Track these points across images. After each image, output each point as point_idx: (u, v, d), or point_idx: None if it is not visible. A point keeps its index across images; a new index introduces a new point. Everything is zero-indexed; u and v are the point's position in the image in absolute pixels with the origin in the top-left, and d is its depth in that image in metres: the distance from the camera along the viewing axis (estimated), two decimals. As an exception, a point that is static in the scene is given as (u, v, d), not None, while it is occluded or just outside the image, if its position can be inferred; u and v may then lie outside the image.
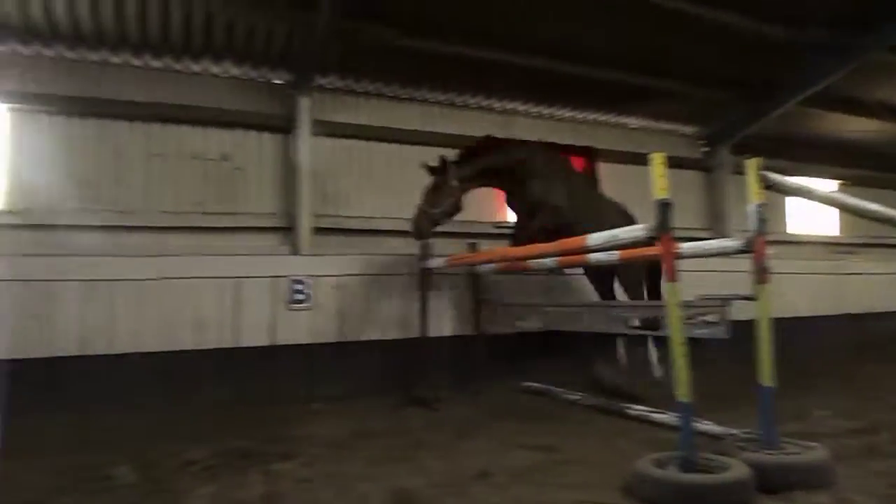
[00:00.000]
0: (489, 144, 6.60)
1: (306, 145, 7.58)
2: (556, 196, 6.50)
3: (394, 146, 8.34)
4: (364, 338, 7.20)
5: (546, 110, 9.46)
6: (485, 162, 6.42)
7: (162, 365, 6.29)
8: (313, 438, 4.84)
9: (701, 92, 9.13)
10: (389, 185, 8.14)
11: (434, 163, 6.31)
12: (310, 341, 6.94)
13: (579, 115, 9.71)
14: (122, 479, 3.86)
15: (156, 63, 7.17)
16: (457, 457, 4.24)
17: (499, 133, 7.69)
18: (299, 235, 7.38)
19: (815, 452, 3.45)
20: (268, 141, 7.72)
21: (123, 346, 6.26)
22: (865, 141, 11.17)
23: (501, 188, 6.97)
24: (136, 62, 7.08)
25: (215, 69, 7.46)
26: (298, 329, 6.93)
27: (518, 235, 6.51)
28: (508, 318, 6.78)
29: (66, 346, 6.07)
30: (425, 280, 6.66)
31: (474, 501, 3.38)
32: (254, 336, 6.75)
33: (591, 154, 9.67)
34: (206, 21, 6.69)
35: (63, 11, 6.21)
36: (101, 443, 4.68)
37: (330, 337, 7.06)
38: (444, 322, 7.37)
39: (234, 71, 7.56)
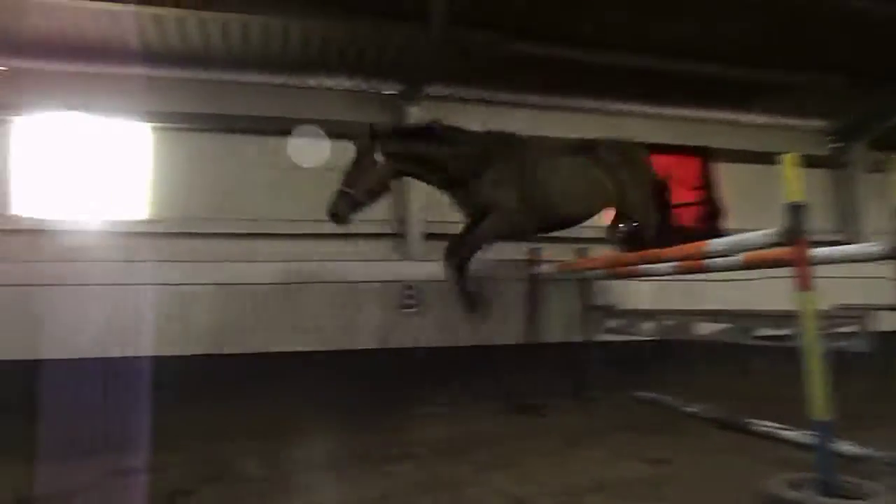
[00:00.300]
0: (433, 130, 5.75)
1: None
2: (506, 198, 5.72)
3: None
4: (472, 343, 7.25)
5: (659, 110, 9.11)
6: (419, 149, 5.63)
7: (286, 365, 6.62)
8: (424, 442, 4.92)
9: (831, 84, 8.47)
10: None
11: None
12: (419, 345, 7.08)
13: (695, 114, 9.28)
14: (251, 472, 4.11)
15: (276, 80, 7.60)
16: (567, 466, 4.17)
17: (603, 135, 7.52)
18: (410, 241, 7.57)
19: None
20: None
21: (250, 346, 6.67)
22: None
23: (437, 185, 6.05)
24: (259, 79, 7.55)
25: (329, 83, 7.79)
26: (409, 333, 7.09)
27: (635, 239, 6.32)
28: (620, 324, 6.59)
29: (200, 345, 6.55)
30: (534, 285, 6.61)
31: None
32: (367, 339, 6.98)
33: (705, 155, 9.24)
34: (322, 39, 7.03)
35: (198, 38, 6.78)
36: (228, 438, 5.01)
37: (438, 342, 7.17)
38: (552, 328, 7.26)
39: (347, 84, 7.86)
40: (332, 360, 6.81)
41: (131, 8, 6.12)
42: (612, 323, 6.66)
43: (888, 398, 3.50)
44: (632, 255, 5.72)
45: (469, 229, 5.91)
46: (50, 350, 5.88)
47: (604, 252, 7.17)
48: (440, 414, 6.00)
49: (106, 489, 3.87)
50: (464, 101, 8.31)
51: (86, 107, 7.18)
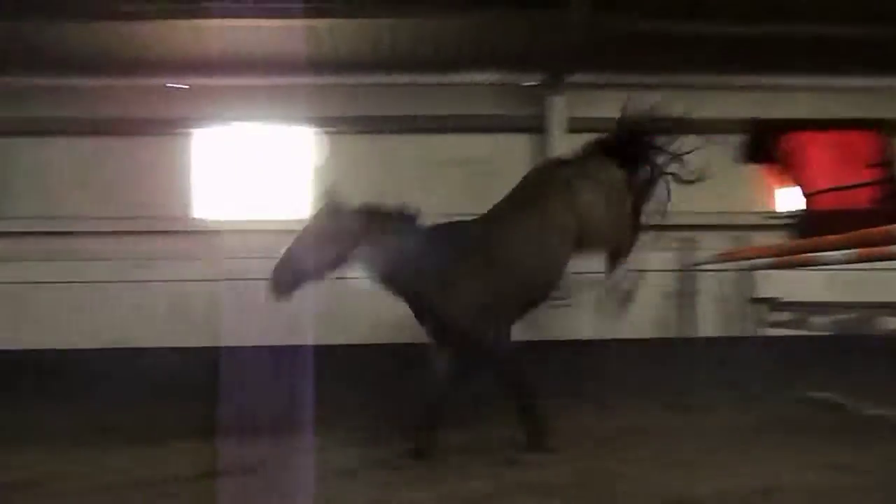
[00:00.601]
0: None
1: (559, 144, 7.69)
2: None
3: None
4: (623, 336, 7.06)
5: (826, 81, 8.26)
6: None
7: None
8: (581, 433, 4.91)
9: None
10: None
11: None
12: (567, 338, 7.01)
13: (869, 83, 8.31)
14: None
15: (424, 80, 7.84)
16: (733, 467, 3.96)
17: (764, 113, 7.01)
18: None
19: None
20: (522, 142, 8.04)
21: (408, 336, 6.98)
22: None
23: None
24: (408, 80, 7.82)
25: (472, 79, 7.91)
26: (556, 326, 7.05)
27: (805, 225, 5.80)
28: (787, 318, 6.12)
29: (361, 334, 6.97)
30: (688, 276, 6.31)
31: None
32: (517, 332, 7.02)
33: (884, 129, 8.25)
34: (474, 38, 7.17)
35: (354, 44, 7.23)
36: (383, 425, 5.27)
37: (588, 334, 7.06)
38: (709, 322, 6.89)
39: (489, 78, 7.94)
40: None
41: (299, 22, 6.60)
42: (778, 317, 6.20)
43: None
44: (802, 243, 5.28)
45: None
46: (230, 338, 6.54)
47: (767, 239, 6.70)
48: (594, 407, 5.93)
49: (281, 464, 4.24)
50: (607, 87, 8.06)
51: (256, 116, 7.93)
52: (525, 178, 5.06)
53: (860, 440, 4.56)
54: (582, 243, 4.77)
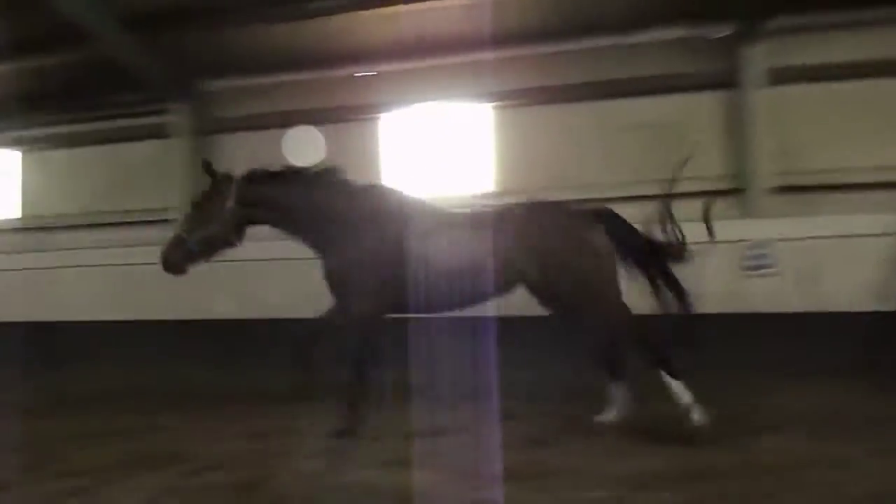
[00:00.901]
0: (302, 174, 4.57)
1: (755, 98, 7.00)
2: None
3: (859, 83, 7.05)
4: (831, 308, 6.32)
5: None
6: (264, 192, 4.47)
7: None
8: (791, 412, 4.53)
9: None
10: (856, 130, 6.92)
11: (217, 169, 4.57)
12: (770, 310, 6.44)
13: None
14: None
15: (601, 42, 7.55)
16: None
17: None
18: (754, 197, 6.90)
19: None
20: (710, 100, 7.42)
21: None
22: None
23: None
24: (583, 46, 7.58)
25: (655, 36, 7.44)
26: (757, 296, 6.51)
27: None
28: None
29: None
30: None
31: None
32: (711, 303, 6.57)
33: None
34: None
35: (535, 15, 7.19)
36: (575, 395, 5.20)
37: (792, 307, 6.43)
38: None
39: (675, 34, 7.42)
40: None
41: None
42: None
43: None
44: None
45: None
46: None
47: None
48: (796, 385, 5.38)
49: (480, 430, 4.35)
50: (809, 29, 7.15)
51: (437, 96, 8.15)
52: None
53: None
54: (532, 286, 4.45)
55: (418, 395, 5.17)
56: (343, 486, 3.24)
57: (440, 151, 8.36)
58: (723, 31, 7.27)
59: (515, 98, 7.89)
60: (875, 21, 7.02)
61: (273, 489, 3.21)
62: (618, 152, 7.52)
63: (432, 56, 7.70)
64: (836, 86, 7.10)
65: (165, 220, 8.48)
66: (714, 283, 6.58)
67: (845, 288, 6.32)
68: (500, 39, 7.42)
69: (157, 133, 8.89)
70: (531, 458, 3.62)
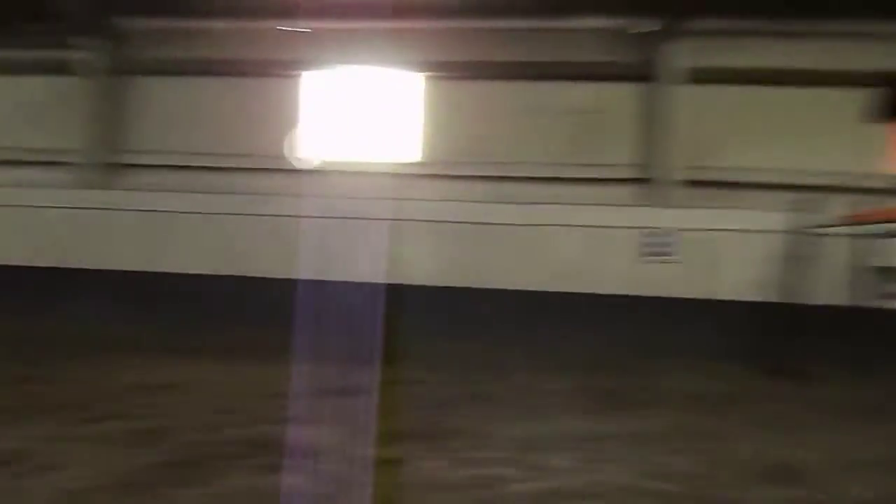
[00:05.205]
0: None
1: (671, 94, 7.36)
2: None
3: (778, 89, 7.54)
4: (724, 297, 6.84)
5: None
6: None
7: (525, 301, 6.93)
8: (676, 391, 4.86)
9: None
10: (761, 134, 7.43)
11: None
12: (669, 295, 6.89)
13: None
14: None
15: (530, 24, 7.67)
16: (840, 437, 3.82)
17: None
18: (662, 187, 7.29)
19: None
20: (630, 91, 7.73)
21: (490, 282, 7.09)
22: None
23: None
24: (513, 25, 7.67)
25: (583, 24, 7.63)
26: (658, 282, 6.93)
27: None
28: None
29: (455, 278, 7.13)
30: (801, 240, 5.95)
31: (879, 490, 2.99)
32: (612, 285, 6.96)
33: None
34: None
35: None
36: (487, 364, 5.42)
37: (690, 293, 6.90)
38: (821, 289, 6.51)
39: (599, 24, 7.63)
40: (576, 302, 6.94)
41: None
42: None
43: None
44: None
45: None
46: (320, 272, 6.84)
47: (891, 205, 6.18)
48: (687, 366, 5.82)
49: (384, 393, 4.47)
50: (727, 34, 7.53)
51: (366, 60, 8.03)
52: None
53: None
54: None
55: (328, 355, 5.23)
56: (241, 439, 3.26)
57: (366, 117, 8.28)
58: (647, 25, 7.55)
59: (445, 70, 7.92)
60: (788, 32, 7.48)
61: (172, 440, 3.19)
62: (539, 133, 7.72)
63: (363, 18, 7.56)
64: (747, 89, 7.55)
65: (68, 163, 8.02)
66: (617, 265, 6.98)
67: (738, 278, 6.82)
68: (434, 10, 7.40)
69: (66, 69, 8.30)
70: (431, 420, 3.75)
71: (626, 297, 6.95)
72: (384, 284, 6.73)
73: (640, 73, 7.64)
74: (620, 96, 7.78)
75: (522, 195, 7.50)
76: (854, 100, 7.44)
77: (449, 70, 7.91)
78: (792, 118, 7.29)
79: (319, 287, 6.61)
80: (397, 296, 6.49)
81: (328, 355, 5.21)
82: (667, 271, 6.91)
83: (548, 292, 7.01)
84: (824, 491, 2.91)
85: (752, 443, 3.61)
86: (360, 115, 8.27)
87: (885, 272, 5.93)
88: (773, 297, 6.37)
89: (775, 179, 7.13)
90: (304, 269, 7.08)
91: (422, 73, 8.03)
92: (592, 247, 7.06)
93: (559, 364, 5.57)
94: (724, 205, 7.10)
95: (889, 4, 6.92)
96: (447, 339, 6.24)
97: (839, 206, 6.08)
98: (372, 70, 8.17)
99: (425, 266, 7.09)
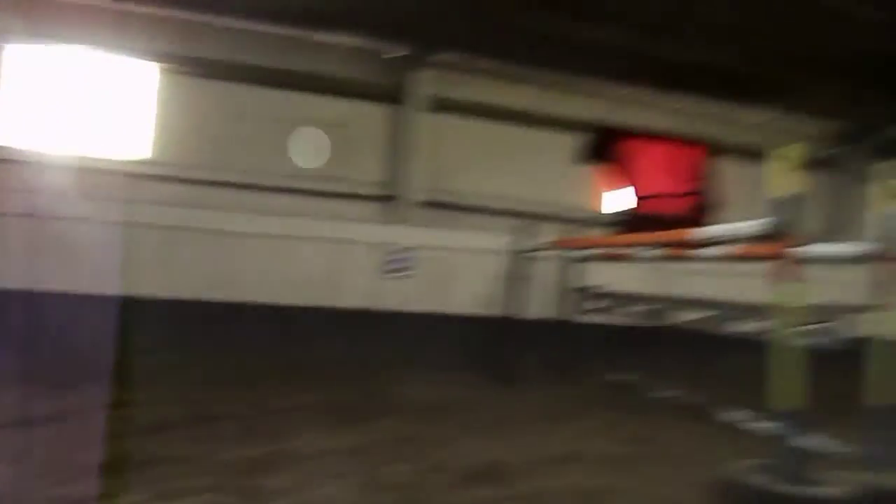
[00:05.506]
0: None
1: (417, 119, 7.75)
2: None
3: (507, 126, 8.37)
4: (457, 311, 7.33)
5: (664, 99, 9.06)
6: None
7: (274, 315, 6.68)
8: (406, 402, 5.03)
9: (836, 87, 8.46)
10: (501, 165, 8.22)
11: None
12: (408, 309, 7.16)
13: (699, 107, 9.25)
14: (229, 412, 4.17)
15: (282, 31, 7.49)
16: (544, 437, 4.28)
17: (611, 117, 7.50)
18: (403, 206, 7.61)
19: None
20: (379, 112, 7.98)
21: (240, 295, 6.73)
22: None
23: None
24: (265, 30, 7.42)
25: (336, 39, 7.69)
26: (397, 296, 7.16)
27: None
28: (601, 306, 6.64)
29: (188, 289, 6.59)
30: (520, 261, 6.65)
31: (566, 481, 3.39)
32: (353, 299, 7.04)
33: (701, 147, 9.26)
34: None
35: None
36: (205, 382, 5.06)
37: (426, 307, 7.25)
38: (533, 305, 7.32)
39: (353, 42, 7.76)
40: (318, 317, 6.87)
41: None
42: (594, 305, 6.71)
43: (853, 397, 3.59)
44: (618, 238, 5.76)
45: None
46: (25, 281, 5.88)
47: (591, 233, 7.23)
48: (421, 378, 6.08)
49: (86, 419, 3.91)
50: (472, 71, 8.20)
51: (92, 40, 7.06)
52: None
53: (650, 418, 5.10)
54: None
55: (26, 378, 4.43)
56: None
57: (86, 105, 7.24)
58: (397, 51, 7.88)
59: (186, 65, 7.32)
60: (519, 77, 8.36)
61: None
62: (285, 144, 7.55)
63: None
64: (481, 123, 8.28)
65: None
66: (359, 280, 7.09)
67: (469, 294, 7.36)
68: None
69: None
70: (139, 448, 3.36)
71: (368, 311, 7.09)
72: (105, 295, 5.96)
73: (390, 96, 7.93)
74: (370, 116, 7.98)
75: (265, 205, 7.24)
76: (567, 142, 8.65)
77: (190, 65, 7.32)
78: (517, 153, 8.20)
79: (25, 298, 5.64)
80: (120, 308, 5.78)
81: (25, 378, 4.41)
82: (406, 286, 7.20)
83: (289, 306, 6.84)
84: (526, 487, 3.23)
85: (466, 447, 3.87)
86: (78, 102, 7.20)
87: (584, 291, 6.85)
88: (497, 312, 6.99)
89: (501, 205, 7.91)
90: (5, 277, 5.97)
91: (157, 65, 7.31)
92: (335, 261, 7.07)
93: (292, 380, 5.43)
94: (457, 226, 7.66)
95: (602, 65, 8.13)
96: (172, 355, 5.72)
97: (550, 233, 6.91)
98: (96, 53, 7.18)
99: (154, 276, 6.43)
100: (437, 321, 7.20)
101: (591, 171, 8.66)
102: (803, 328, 3.51)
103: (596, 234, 7.46)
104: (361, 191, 7.80)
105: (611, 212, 8.34)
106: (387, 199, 7.84)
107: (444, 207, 7.89)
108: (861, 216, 9.57)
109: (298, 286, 6.90)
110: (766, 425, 4.28)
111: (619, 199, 8.62)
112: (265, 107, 7.58)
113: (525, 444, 4.04)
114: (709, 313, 5.10)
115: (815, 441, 3.89)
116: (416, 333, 7.01)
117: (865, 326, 3.65)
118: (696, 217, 9.10)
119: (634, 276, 7.42)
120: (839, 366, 3.71)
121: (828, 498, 2.95)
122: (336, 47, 7.75)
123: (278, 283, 6.85)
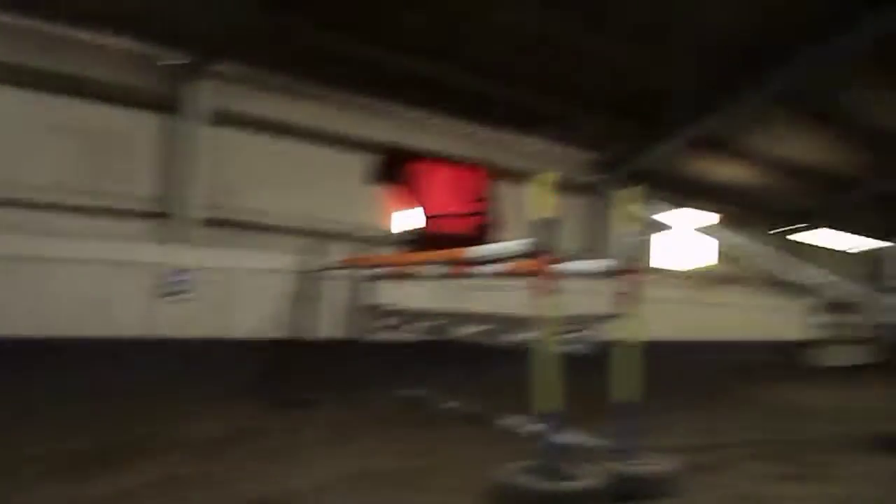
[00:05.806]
0: None
1: (196, 132, 7.28)
2: None
3: (297, 143, 8.20)
4: (240, 335, 6.96)
5: (453, 124, 9.57)
6: None
7: (31, 349, 5.78)
8: (188, 437, 4.65)
9: (597, 121, 9.66)
10: (289, 183, 8.00)
11: None
12: (187, 335, 6.63)
13: (481, 132, 9.92)
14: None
15: (44, 27, 6.62)
16: (336, 457, 4.24)
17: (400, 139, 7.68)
18: (181, 224, 7.07)
19: (668, 464, 3.73)
20: (153, 122, 7.37)
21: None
22: (738, 183, 12.29)
23: None
24: (25, 24, 6.51)
25: (105, 40, 6.99)
26: (175, 322, 6.61)
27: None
28: (389, 324, 6.74)
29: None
30: (308, 280, 6.52)
31: (359, 500, 3.40)
32: (125, 326, 6.35)
33: (484, 170, 9.93)
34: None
35: None
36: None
37: (206, 332, 6.78)
38: (322, 325, 7.22)
39: (125, 45, 7.12)
40: (86, 346, 6.07)
41: None
42: (384, 323, 6.79)
43: (604, 396, 4.04)
44: (406, 257, 5.92)
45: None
46: None
47: (380, 253, 7.34)
48: (204, 409, 5.64)
49: None
50: (261, 85, 7.93)
51: None
52: None
53: (436, 429, 5.27)
54: None
55: None
56: None
57: None
58: (175, 58, 7.36)
59: None
60: (308, 94, 8.25)
61: None
62: (46, 154, 6.66)
63: None
64: (267, 139, 8.02)
65: None
66: (132, 305, 6.42)
67: (253, 317, 7.02)
68: None
69: None
70: None
71: (143, 339, 6.44)
72: None
73: (166, 105, 7.35)
74: (143, 126, 7.33)
75: (17, 223, 6.26)
76: (357, 162, 8.72)
77: None
78: (305, 170, 8.08)
79: None
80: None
81: None
82: (184, 311, 6.68)
83: (49, 338, 5.95)
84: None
85: (248, 481, 3.66)
86: None
87: (373, 309, 6.91)
88: (284, 334, 6.76)
89: (289, 224, 7.72)
90: None
91: None
92: (103, 285, 6.34)
93: (48, 425, 4.72)
94: (242, 245, 7.31)
95: (390, 85, 8.34)
96: None
97: (339, 252, 6.88)
98: None
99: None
100: (219, 346, 6.77)
101: (380, 191, 8.81)
102: (560, 337, 3.88)
103: (385, 252, 7.56)
104: (132, 207, 7.10)
105: (400, 231, 8.55)
106: (162, 217, 7.22)
107: (227, 226, 7.49)
108: (609, 236, 10.94)
109: (58, 315, 6.05)
110: (534, 428, 4.65)
111: (407, 219, 8.87)
112: (21, 111, 6.62)
113: (316, 468, 3.95)
114: (486, 327, 5.42)
115: (572, 438, 4.30)
116: (197, 361, 6.53)
117: (611, 332, 4.13)
118: (480, 235, 9.70)
119: (422, 294, 7.69)
120: (592, 369, 4.12)
121: (577, 490, 3.27)
122: (104, 49, 7.03)
123: (32, 313, 5.93)
